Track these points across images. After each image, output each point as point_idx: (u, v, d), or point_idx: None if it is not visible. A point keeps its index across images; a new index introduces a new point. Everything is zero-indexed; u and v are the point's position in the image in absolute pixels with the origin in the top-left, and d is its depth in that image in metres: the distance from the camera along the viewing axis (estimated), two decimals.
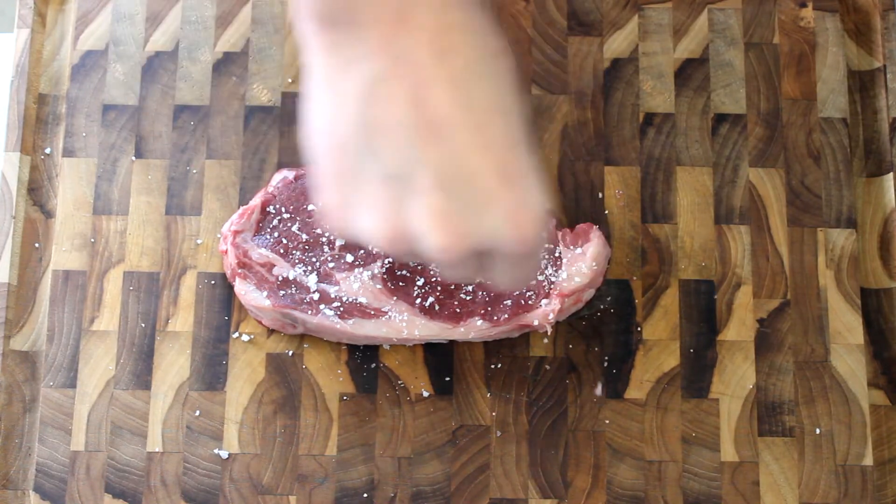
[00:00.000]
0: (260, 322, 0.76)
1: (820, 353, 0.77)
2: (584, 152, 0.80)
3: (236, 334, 0.77)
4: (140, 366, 0.76)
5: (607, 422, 0.76)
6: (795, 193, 0.80)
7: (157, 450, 0.75)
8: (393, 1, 0.50)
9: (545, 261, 0.75)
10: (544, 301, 0.74)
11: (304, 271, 0.74)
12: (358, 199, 0.52)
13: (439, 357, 0.76)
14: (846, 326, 0.77)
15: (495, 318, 0.74)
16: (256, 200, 0.76)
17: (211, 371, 0.76)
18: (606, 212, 0.79)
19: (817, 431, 0.76)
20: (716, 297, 0.78)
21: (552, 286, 0.74)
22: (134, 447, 0.75)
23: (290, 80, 0.81)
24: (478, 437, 0.75)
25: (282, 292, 0.74)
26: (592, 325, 0.77)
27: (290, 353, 0.76)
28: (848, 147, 0.81)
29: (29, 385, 0.76)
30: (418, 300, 0.74)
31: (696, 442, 0.75)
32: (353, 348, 0.77)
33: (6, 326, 0.76)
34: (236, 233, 0.75)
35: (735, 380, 0.76)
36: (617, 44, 0.82)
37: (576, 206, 0.79)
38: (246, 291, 0.74)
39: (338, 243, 0.75)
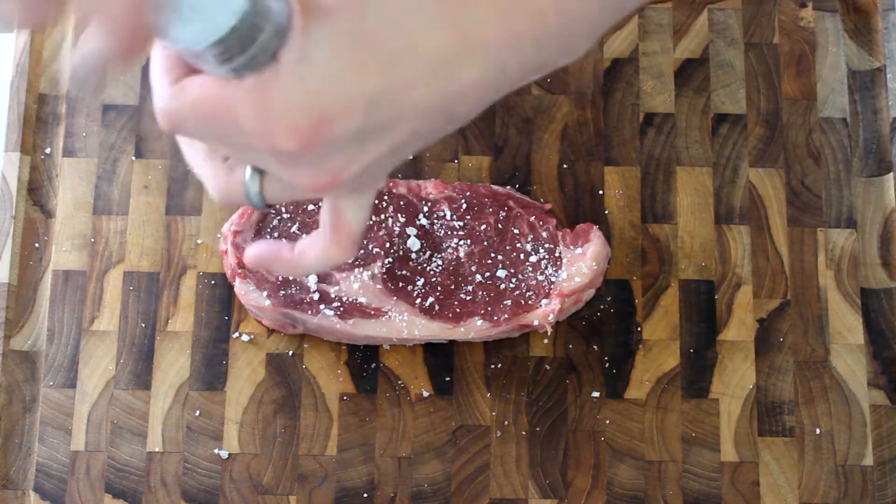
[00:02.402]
0: (260, 322, 0.76)
1: (820, 353, 0.77)
2: (584, 152, 0.80)
3: (236, 334, 0.77)
4: (140, 366, 0.76)
5: (607, 422, 0.76)
6: (795, 193, 0.80)
7: (157, 450, 0.75)
8: None
9: (545, 260, 0.75)
10: (544, 301, 0.74)
11: None
12: None
13: (439, 357, 0.76)
14: (846, 326, 0.77)
15: (495, 318, 0.74)
16: None
17: (211, 371, 0.76)
18: (606, 212, 0.79)
19: (817, 431, 0.76)
20: (716, 297, 0.78)
21: (552, 286, 0.74)
22: (134, 447, 0.75)
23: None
24: (478, 437, 0.75)
25: (282, 292, 0.74)
26: (592, 325, 0.77)
27: (290, 353, 0.76)
28: (848, 147, 0.81)
29: (29, 385, 0.76)
30: (418, 300, 0.74)
31: (696, 442, 0.75)
32: (353, 348, 0.76)
33: (6, 326, 0.76)
34: (236, 233, 0.75)
35: (735, 380, 0.76)
36: (617, 44, 0.82)
37: (576, 206, 0.79)
38: (246, 291, 0.74)
39: None
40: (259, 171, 0.46)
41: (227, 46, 0.41)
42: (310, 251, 0.50)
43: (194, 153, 0.48)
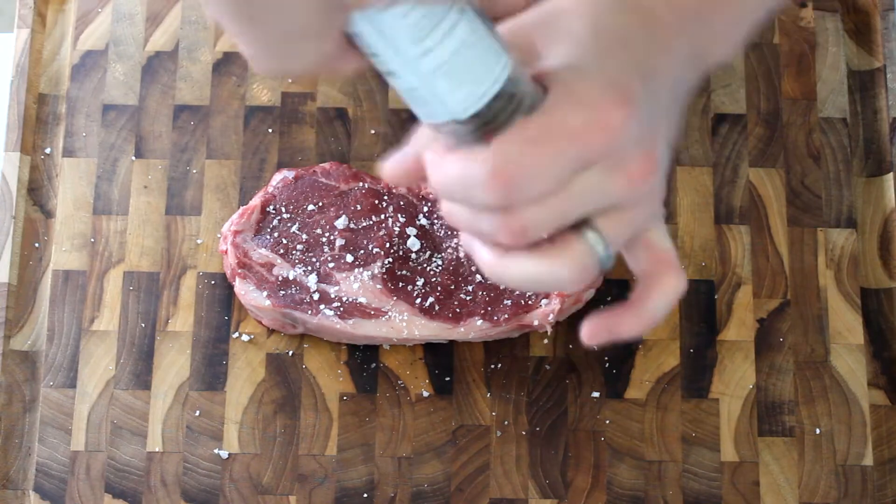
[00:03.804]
0: (260, 322, 0.76)
1: (820, 353, 0.77)
2: None
3: (236, 334, 0.77)
4: (140, 366, 0.76)
5: (607, 422, 0.76)
6: (795, 193, 0.80)
7: (157, 450, 0.75)
8: None
9: None
10: (544, 301, 0.74)
11: (304, 271, 0.74)
12: None
13: (439, 357, 0.76)
14: (846, 326, 0.77)
15: (495, 318, 0.74)
16: (256, 200, 0.76)
17: (211, 371, 0.76)
18: None
19: (817, 431, 0.76)
20: (716, 297, 0.78)
21: None
22: (134, 447, 0.75)
23: (289, 80, 0.81)
24: (478, 437, 0.75)
25: (282, 292, 0.74)
26: None
27: (290, 353, 0.76)
28: (848, 147, 0.81)
29: (29, 385, 0.76)
30: (418, 300, 0.74)
31: (696, 442, 0.75)
32: (353, 348, 0.77)
33: (6, 326, 0.76)
34: (236, 233, 0.75)
35: (735, 380, 0.76)
36: None
37: None
38: (246, 291, 0.74)
39: (338, 243, 0.75)
40: (594, 229, 0.49)
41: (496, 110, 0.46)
42: (652, 294, 0.52)
43: (535, 267, 0.50)
